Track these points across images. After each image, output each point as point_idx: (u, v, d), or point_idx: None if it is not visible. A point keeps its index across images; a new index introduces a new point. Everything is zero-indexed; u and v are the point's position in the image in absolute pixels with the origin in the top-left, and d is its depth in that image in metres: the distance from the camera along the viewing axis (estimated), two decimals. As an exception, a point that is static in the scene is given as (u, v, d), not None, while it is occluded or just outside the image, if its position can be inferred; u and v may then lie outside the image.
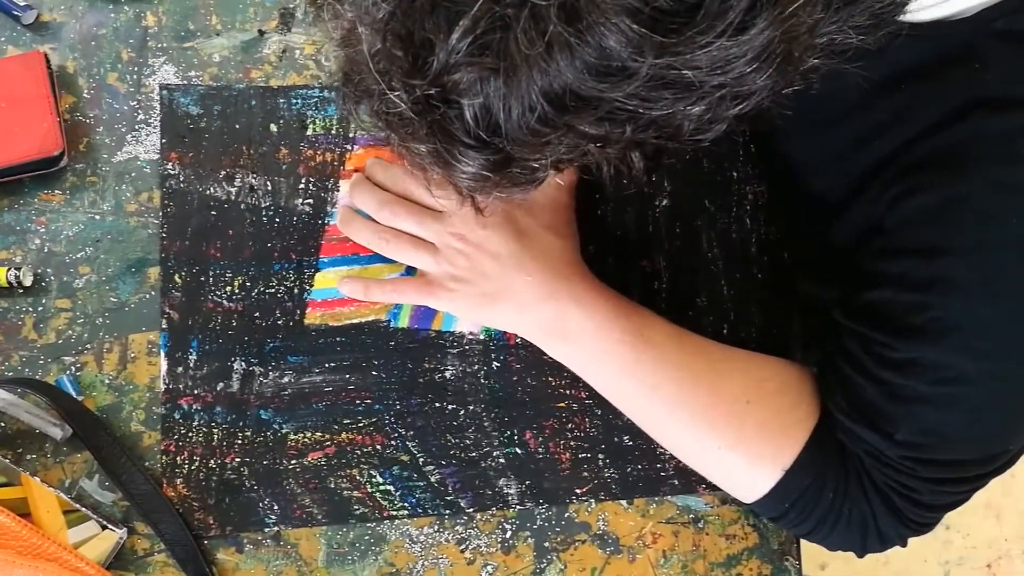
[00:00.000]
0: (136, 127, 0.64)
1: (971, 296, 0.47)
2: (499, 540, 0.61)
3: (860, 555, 0.58)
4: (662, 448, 0.62)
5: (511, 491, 0.62)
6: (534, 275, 0.58)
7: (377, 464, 0.61)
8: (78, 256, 0.63)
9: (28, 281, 0.61)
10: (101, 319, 0.62)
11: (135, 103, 0.64)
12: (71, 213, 0.63)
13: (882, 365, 0.51)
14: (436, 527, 0.61)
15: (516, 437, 0.62)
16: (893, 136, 0.50)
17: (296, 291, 0.62)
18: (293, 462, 0.61)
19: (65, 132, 0.63)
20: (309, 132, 0.64)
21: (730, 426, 0.56)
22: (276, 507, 0.60)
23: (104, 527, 0.59)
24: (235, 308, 0.62)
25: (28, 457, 0.60)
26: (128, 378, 0.61)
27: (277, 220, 0.63)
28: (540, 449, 0.62)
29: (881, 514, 0.54)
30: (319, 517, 0.60)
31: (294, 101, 0.64)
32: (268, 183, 0.63)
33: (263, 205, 0.63)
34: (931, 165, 0.48)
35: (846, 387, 0.54)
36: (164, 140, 0.63)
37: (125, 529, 0.59)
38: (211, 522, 0.60)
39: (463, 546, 0.61)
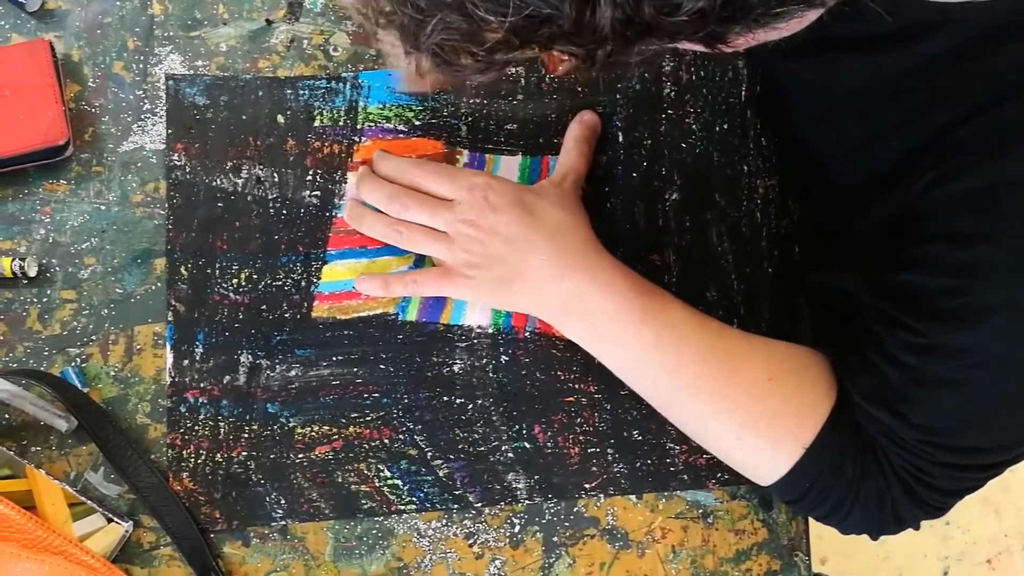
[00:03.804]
0: (142, 117, 0.63)
1: (1011, 282, 0.46)
2: (508, 535, 0.61)
3: (874, 537, 0.57)
4: (672, 443, 0.62)
5: (520, 486, 0.61)
6: (547, 254, 0.57)
7: (385, 458, 0.61)
8: (83, 247, 0.62)
9: (33, 272, 0.61)
10: (106, 310, 0.61)
11: (141, 92, 0.64)
12: (76, 203, 0.62)
13: (906, 349, 0.50)
14: (444, 521, 0.61)
15: (525, 431, 0.62)
16: (929, 121, 0.49)
17: (303, 284, 0.62)
18: (300, 456, 0.60)
19: (70, 121, 0.62)
20: (316, 123, 0.63)
21: (751, 405, 0.56)
22: (283, 501, 0.60)
23: (110, 520, 0.59)
24: (242, 301, 0.61)
25: (33, 449, 0.60)
26: (134, 370, 0.61)
27: (284, 212, 0.63)
28: (549, 443, 0.62)
29: (898, 496, 0.54)
30: (326, 511, 0.60)
31: (301, 92, 0.64)
32: (275, 175, 0.63)
33: (270, 197, 0.63)
34: (973, 149, 0.47)
35: (867, 370, 0.53)
36: (170, 131, 0.63)
37: (131, 522, 0.59)
38: (218, 516, 0.60)
39: (471, 540, 0.61)
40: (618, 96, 0.65)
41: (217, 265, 0.62)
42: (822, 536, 1.43)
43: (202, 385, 0.61)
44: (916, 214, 0.50)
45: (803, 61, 0.54)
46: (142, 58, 0.64)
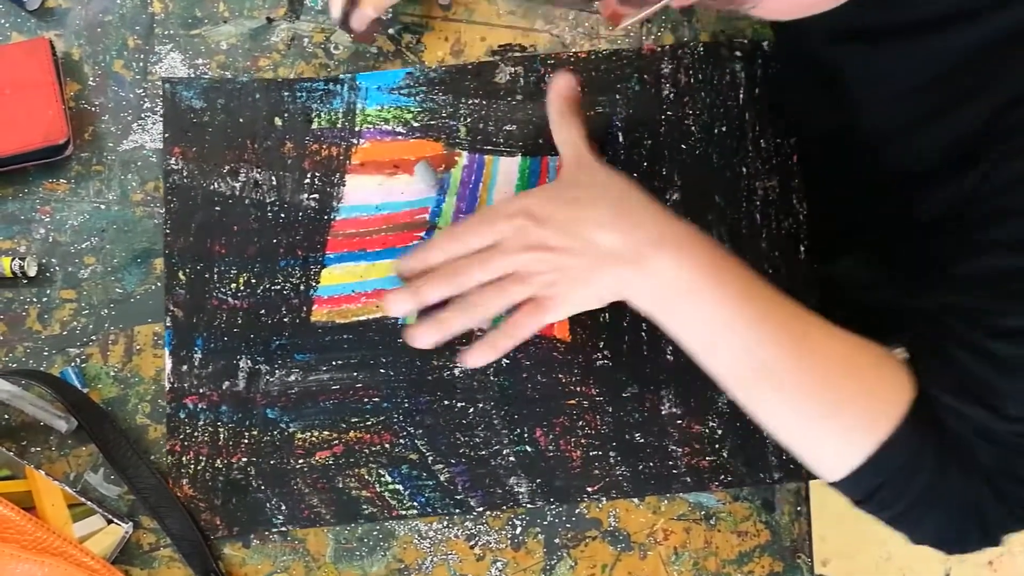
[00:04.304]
0: (142, 115, 0.63)
1: None
2: (509, 536, 0.61)
3: (949, 551, 0.55)
4: (674, 445, 0.62)
5: (521, 490, 0.61)
6: (608, 233, 0.54)
7: (386, 463, 0.60)
8: (83, 246, 0.62)
9: (32, 271, 0.60)
10: (106, 310, 0.61)
11: (141, 91, 0.63)
12: (76, 202, 0.62)
13: (991, 335, 0.49)
14: (445, 523, 0.61)
15: (526, 435, 0.61)
16: (991, 99, 0.48)
17: (302, 288, 0.62)
18: (300, 461, 0.60)
19: (70, 120, 0.62)
20: (314, 126, 0.63)
21: (827, 393, 0.54)
22: (283, 507, 0.60)
23: (110, 521, 0.58)
24: (240, 305, 0.61)
25: (33, 450, 0.59)
26: (134, 370, 0.61)
27: (282, 216, 0.62)
28: (551, 447, 0.61)
29: (987, 499, 0.51)
30: (327, 517, 0.60)
31: (299, 94, 0.63)
32: (273, 178, 0.62)
33: (268, 200, 0.62)
34: None
35: (949, 365, 0.51)
36: (167, 135, 0.63)
37: (131, 523, 0.59)
38: (218, 522, 0.59)
39: (472, 542, 0.61)
40: (618, 96, 0.65)
41: (215, 269, 0.61)
42: (824, 538, 1.42)
43: (201, 391, 0.60)
44: (984, 193, 0.48)
45: (856, 46, 0.53)
46: (142, 57, 0.64)
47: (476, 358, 0.57)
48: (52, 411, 0.59)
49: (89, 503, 0.58)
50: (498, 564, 0.61)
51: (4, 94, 0.61)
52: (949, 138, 0.50)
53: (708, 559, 0.61)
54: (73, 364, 0.60)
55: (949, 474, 0.52)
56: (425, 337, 0.56)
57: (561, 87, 0.59)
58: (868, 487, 0.53)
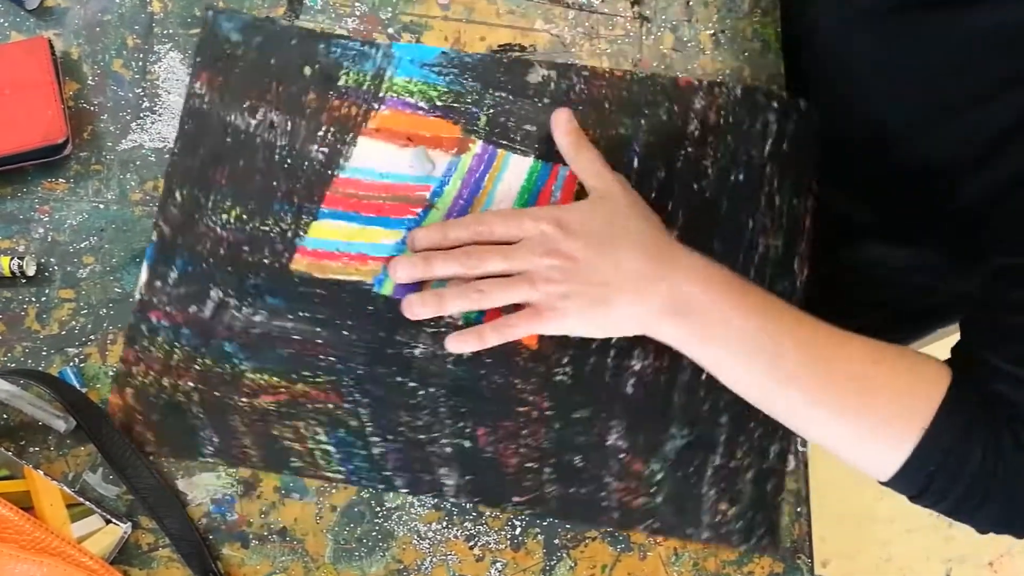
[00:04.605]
0: (141, 115, 0.63)
1: None
2: (508, 537, 0.61)
3: (1020, 534, 0.54)
4: (611, 477, 0.60)
5: (449, 482, 0.60)
6: (640, 259, 0.56)
7: (325, 423, 0.60)
8: (82, 246, 0.62)
9: (31, 271, 0.60)
10: (105, 310, 0.61)
11: (140, 90, 0.63)
12: (75, 202, 0.62)
13: None
14: (445, 523, 0.61)
15: (468, 430, 0.61)
16: None
17: (289, 234, 0.62)
18: (244, 400, 0.60)
19: (69, 119, 0.62)
20: (341, 83, 0.64)
21: (859, 390, 0.53)
22: (216, 439, 0.60)
23: (108, 521, 0.58)
24: (226, 237, 0.62)
25: (31, 450, 0.59)
26: (133, 370, 0.61)
27: (289, 161, 0.63)
28: (489, 448, 0.60)
29: None
30: (255, 459, 0.60)
31: (334, 49, 0.64)
32: (289, 123, 0.63)
33: (279, 144, 0.63)
34: None
35: (1003, 329, 0.51)
36: (198, 59, 0.63)
37: (129, 523, 0.58)
38: (150, 437, 0.59)
39: (472, 542, 0.61)
40: (643, 122, 0.64)
41: (212, 198, 0.62)
42: (825, 539, 1.42)
43: (168, 309, 0.61)
44: None
45: (891, 27, 0.53)
46: (141, 56, 0.64)
47: (460, 345, 0.59)
48: (51, 411, 0.59)
49: (87, 503, 0.58)
50: (497, 565, 0.61)
51: (3, 93, 0.61)
52: (998, 122, 0.50)
53: (708, 560, 0.61)
54: (72, 364, 0.60)
55: (1004, 451, 0.51)
56: (421, 308, 0.58)
57: (564, 126, 0.61)
58: (920, 478, 0.53)
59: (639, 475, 0.61)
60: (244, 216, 0.62)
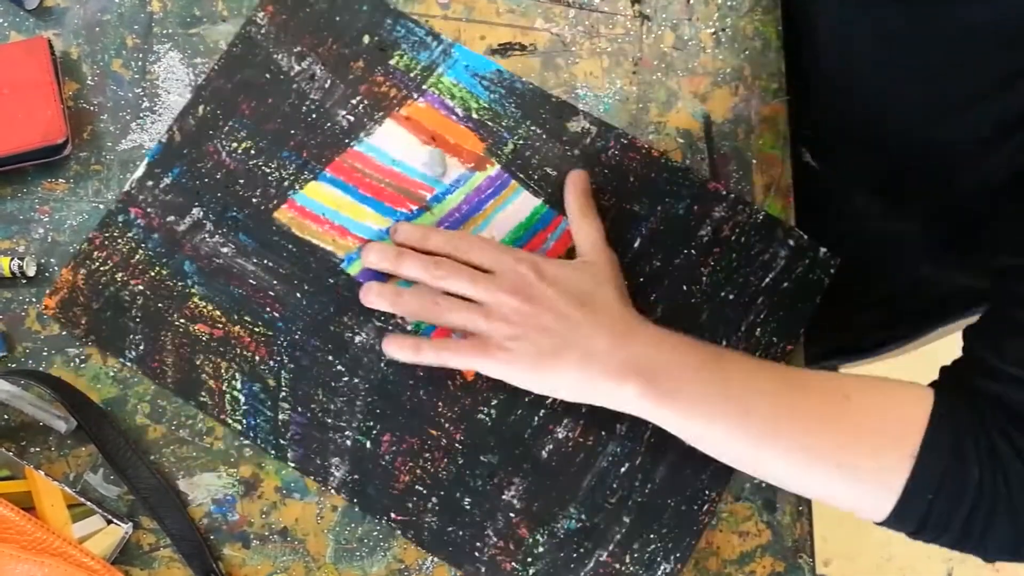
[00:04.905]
0: (141, 115, 0.63)
1: None
2: (510, 536, 0.61)
3: None
4: (492, 532, 0.59)
5: (336, 473, 0.60)
6: (604, 328, 0.55)
7: (246, 371, 0.60)
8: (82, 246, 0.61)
9: (31, 271, 0.60)
10: (106, 310, 0.61)
11: (140, 90, 0.63)
12: (75, 202, 0.62)
13: None
14: (446, 523, 0.61)
15: (374, 432, 0.60)
16: None
17: (286, 184, 0.63)
18: (181, 321, 0.61)
19: (69, 120, 0.62)
20: (392, 61, 0.64)
21: (836, 429, 0.52)
22: (142, 347, 0.60)
23: (109, 521, 0.58)
24: (228, 164, 0.62)
25: (32, 450, 0.59)
26: (133, 370, 0.60)
27: (314, 116, 0.63)
28: (387, 457, 0.60)
29: None
30: (168, 380, 0.60)
31: (398, 28, 0.65)
32: (328, 81, 0.64)
33: (311, 96, 0.64)
34: None
35: (1011, 330, 0.50)
36: None
37: (130, 523, 0.58)
38: (83, 323, 0.60)
39: (473, 542, 0.60)
40: (659, 208, 0.63)
41: (230, 123, 0.63)
42: (826, 538, 1.42)
43: (148, 210, 0.62)
44: None
45: (891, 24, 0.54)
46: (141, 56, 0.64)
47: (394, 349, 0.59)
48: (51, 411, 0.59)
49: (89, 503, 0.58)
50: (499, 564, 0.60)
51: (2, 94, 0.60)
52: (987, 122, 0.50)
53: (709, 559, 0.61)
54: (71, 364, 0.60)
55: (1003, 463, 0.49)
56: (376, 298, 0.59)
57: (577, 187, 0.61)
58: (921, 507, 0.50)
59: (520, 540, 0.59)
60: (252, 151, 0.63)
